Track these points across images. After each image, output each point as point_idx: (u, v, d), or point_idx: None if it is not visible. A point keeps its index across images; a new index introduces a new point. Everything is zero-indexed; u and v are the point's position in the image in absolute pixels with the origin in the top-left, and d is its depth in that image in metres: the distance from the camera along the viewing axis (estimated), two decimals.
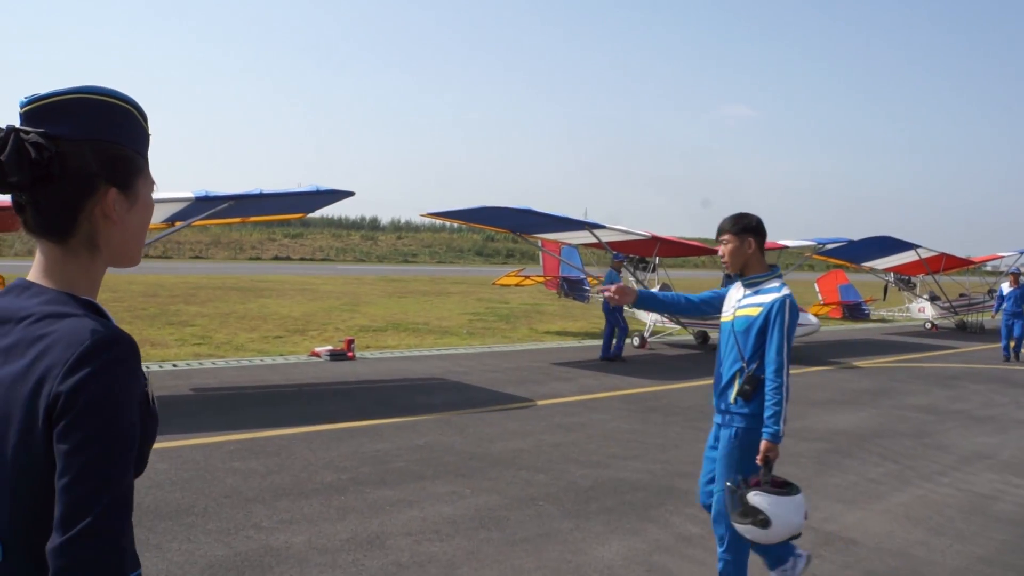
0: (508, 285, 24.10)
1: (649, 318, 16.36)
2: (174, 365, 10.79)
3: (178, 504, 5.15)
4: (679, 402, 9.55)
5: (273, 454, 6.45)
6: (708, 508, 3.99)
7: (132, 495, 1.20)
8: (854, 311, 23.94)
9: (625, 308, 13.58)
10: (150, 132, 1.38)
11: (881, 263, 21.60)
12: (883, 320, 24.26)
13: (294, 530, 4.81)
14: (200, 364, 10.96)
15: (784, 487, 3.57)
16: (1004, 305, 16.23)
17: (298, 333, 14.82)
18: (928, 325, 22.03)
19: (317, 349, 12.21)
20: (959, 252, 22.74)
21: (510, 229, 14.96)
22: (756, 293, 3.81)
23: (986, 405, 10.24)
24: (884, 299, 23.74)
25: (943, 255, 21.15)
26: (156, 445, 1.38)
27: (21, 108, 1.26)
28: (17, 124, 1.25)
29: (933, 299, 22.33)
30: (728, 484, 3.68)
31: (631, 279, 15.48)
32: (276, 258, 51.34)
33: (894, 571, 4.60)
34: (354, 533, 4.80)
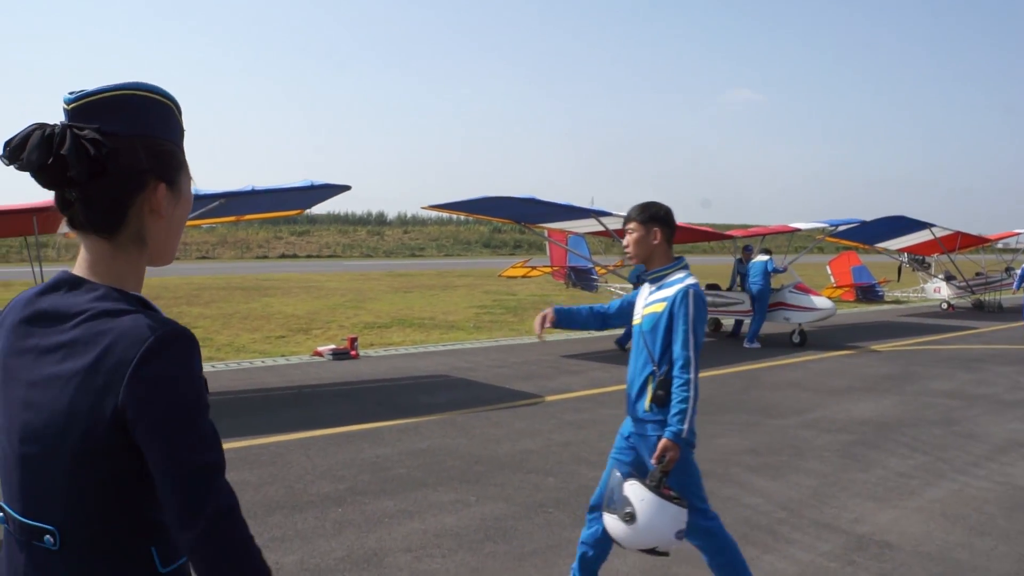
0: (515, 277, 23.66)
1: None
2: None
3: None
4: None
5: (268, 463, 6.13)
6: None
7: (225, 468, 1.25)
8: (868, 293, 23.44)
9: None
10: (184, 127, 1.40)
11: (895, 243, 21.09)
12: (898, 301, 23.75)
13: (286, 548, 4.48)
14: None
15: (672, 498, 3.24)
16: None
17: (301, 332, 14.51)
18: (944, 305, 21.52)
19: (320, 348, 11.91)
20: (972, 231, 22.22)
21: (514, 219, 14.57)
22: (660, 288, 3.53)
23: (1014, 388, 9.82)
24: (898, 280, 23.26)
25: (958, 233, 20.63)
26: None
27: (67, 104, 1.26)
28: (63, 120, 1.25)
29: (949, 279, 21.82)
30: (616, 473, 3.38)
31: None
32: (283, 256, 51.09)
33: None
34: (350, 550, 4.47)
